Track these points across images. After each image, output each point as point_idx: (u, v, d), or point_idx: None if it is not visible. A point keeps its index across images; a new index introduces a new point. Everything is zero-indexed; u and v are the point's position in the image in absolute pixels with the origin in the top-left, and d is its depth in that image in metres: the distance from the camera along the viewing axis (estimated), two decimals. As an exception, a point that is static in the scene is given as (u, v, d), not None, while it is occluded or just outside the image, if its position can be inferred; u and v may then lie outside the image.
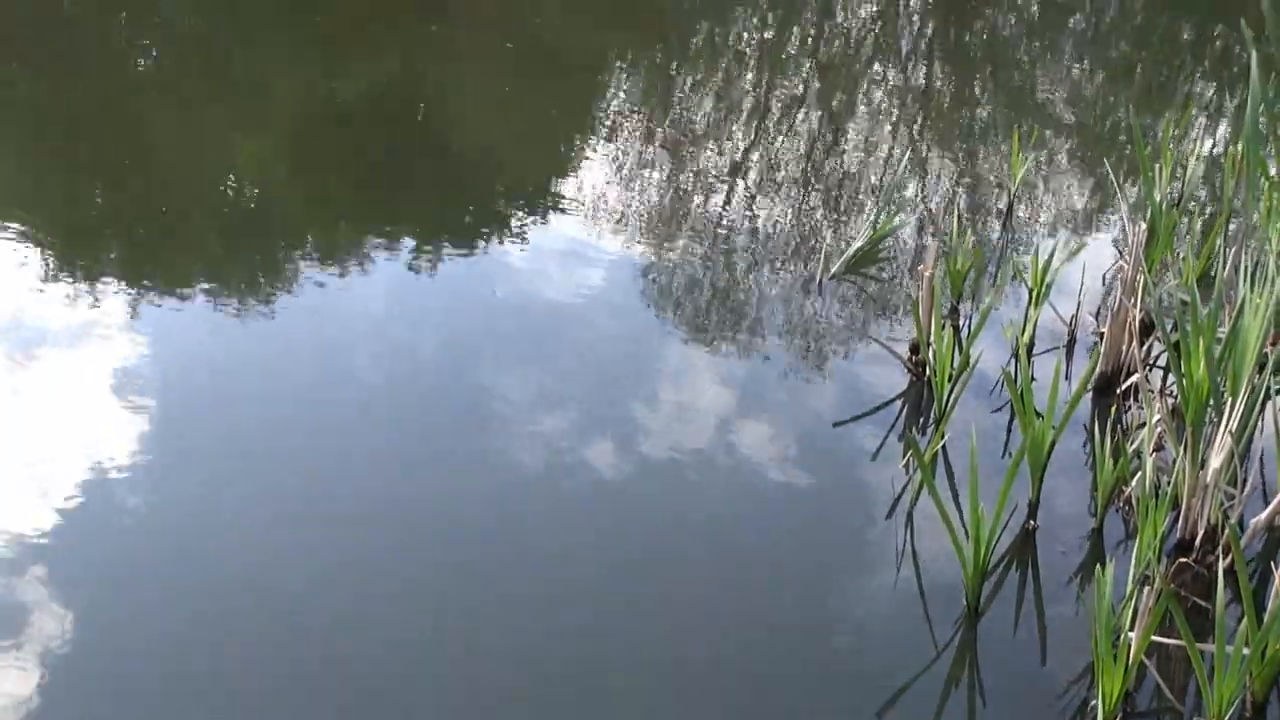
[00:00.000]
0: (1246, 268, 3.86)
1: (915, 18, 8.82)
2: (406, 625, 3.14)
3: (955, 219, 5.17)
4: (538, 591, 3.29)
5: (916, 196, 5.84)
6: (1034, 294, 4.55)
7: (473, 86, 7.32)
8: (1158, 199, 4.61)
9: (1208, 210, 5.90)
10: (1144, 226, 4.12)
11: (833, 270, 4.95)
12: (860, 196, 5.94)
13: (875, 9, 8.88)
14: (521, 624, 3.18)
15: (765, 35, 8.29)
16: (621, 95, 7.29)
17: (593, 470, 3.81)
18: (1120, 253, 5.18)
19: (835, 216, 5.69)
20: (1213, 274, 4.48)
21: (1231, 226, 5.09)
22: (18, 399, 3.97)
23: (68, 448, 3.72)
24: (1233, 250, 4.09)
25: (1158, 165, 5.03)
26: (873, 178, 6.15)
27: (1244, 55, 7.87)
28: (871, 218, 5.16)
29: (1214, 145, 6.79)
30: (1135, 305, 4.12)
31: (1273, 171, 4.42)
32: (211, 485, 3.61)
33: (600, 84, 7.44)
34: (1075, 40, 8.51)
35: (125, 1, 8.26)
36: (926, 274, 4.08)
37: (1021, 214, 5.75)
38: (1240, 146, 4.31)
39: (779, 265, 5.18)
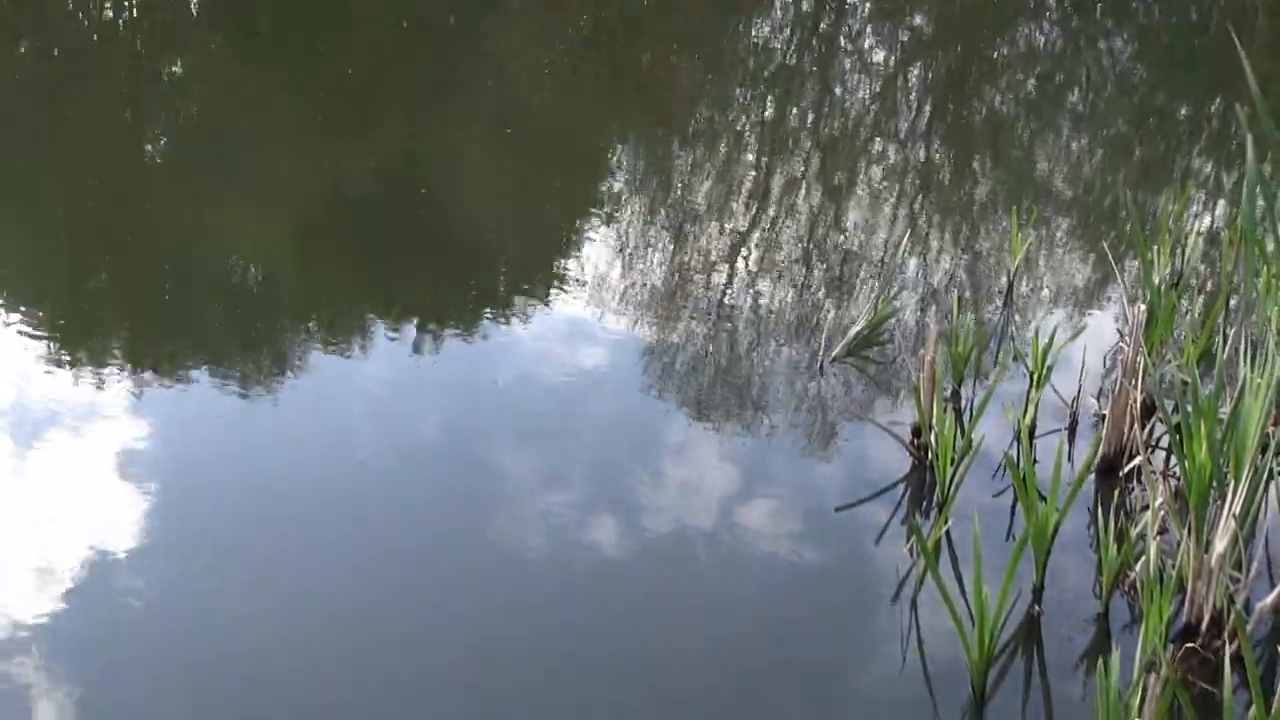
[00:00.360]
0: (1247, 348, 3.87)
1: (914, 96, 8.90)
2: (406, 713, 3.13)
3: (955, 299, 5.19)
4: (539, 678, 3.28)
5: (917, 276, 5.87)
6: (1035, 376, 4.55)
7: (474, 168, 7.37)
8: (1156, 282, 4.63)
9: (1208, 286, 5.91)
10: (1143, 308, 4.13)
11: (834, 353, 4.96)
12: (861, 275, 5.96)
13: (874, 88, 8.96)
14: (523, 711, 3.16)
15: (765, 115, 8.36)
16: (623, 176, 7.34)
17: (594, 553, 3.81)
18: (1121, 333, 5.19)
19: (836, 296, 5.71)
20: (1214, 352, 4.49)
21: (1231, 305, 5.11)
22: (20, 483, 3.98)
23: (68, 532, 3.72)
24: (1233, 331, 4.10)
25: (1156, 246, 5.05)
26: (873, 256, 6.18)
27: (1240, 132, 7.93)
28: (872, 299, 5.18)
29: (1213, 222, 6.82)
30: (1136, 387, 4.12)
31: (1270, 247, 4.44)
32: (213, 571, 3.60)
33: (601, 165, 7.49)
34: (1073, 118, 8.57)
35: (129, 86, 8.35)
36: (927, 358, 4.10)
37: (1022, 294, 5.77)
38: (1238, 225, 4.34)
39: (780, 346, 5.20)
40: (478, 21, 10.01)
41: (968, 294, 5.65)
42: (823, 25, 10.26)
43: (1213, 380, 3.66)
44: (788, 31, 10.03)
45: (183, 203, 6.60)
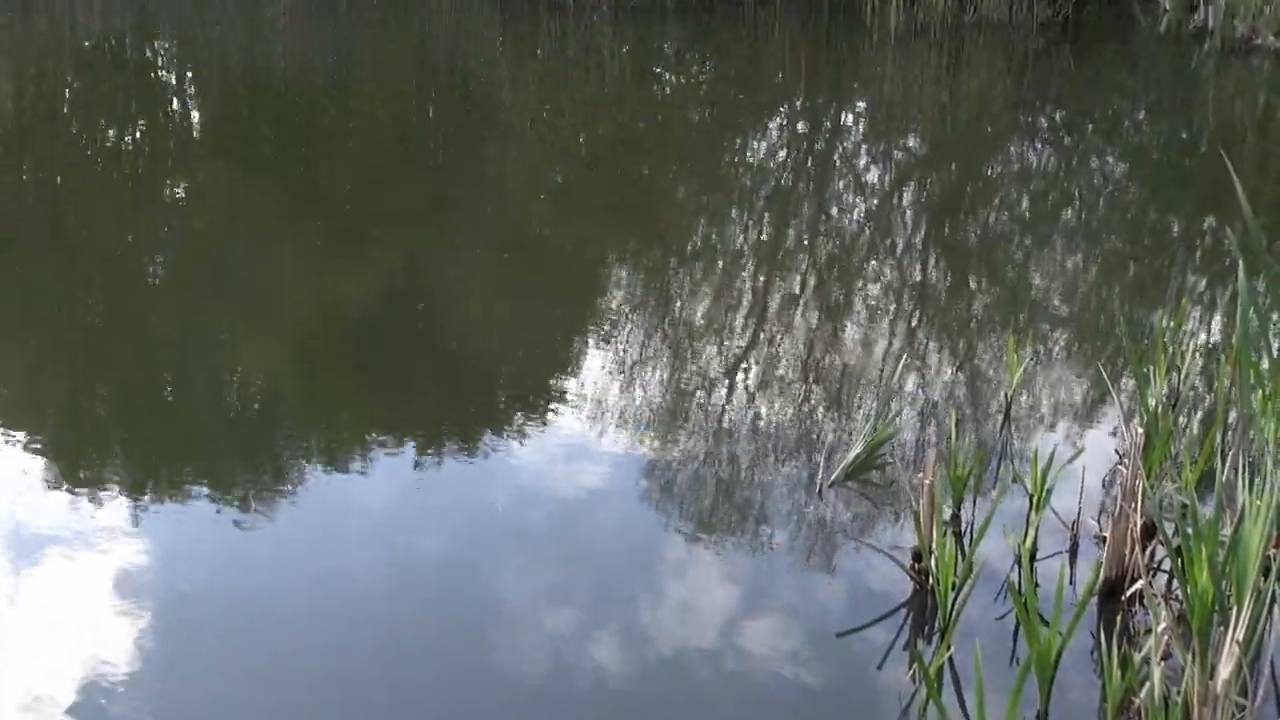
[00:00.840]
0: (1245, 469, 3.88)
1: (909, 215, 8.98)
2: None
3: (954, 420, 5.21)
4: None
5: (914, 395, 5.89)
6: (1034, 498, 4.55)
7: (472, 287, 7.42)
8: (1153, 404, 4.65)
9: (1207, 401, 5.93)
10: (1141, 431, 4.14)
11: (832, 477, 4.96)
12: (858, 393, 5.98)
13: (870, 207, 9.05)
14: None
15: (762, 234, 8.44)
16: (621, 294, 7.39)
17: (592, 674, 3.78)
18: (1119, 453, 5.20)
19: (834, 414, 5.72)
20: (1214, 471, 4.49)
21: (1229, 423, 5.12)
22: (14, 608, 3.96)
23: (63, 657, 3.69)
24: (1231, 453, 4.11)
25: (1151, 367, 5.08)
26: (870, 373, 6.21)
27: (1234, 248, 8.00)
28: (870, 419, 5.19)
29: (1209, 338, 6.85)
30: (1136, 510, 4.12)
31: (1264, 365, 4.46)
32: (208, 700, 3.57)
33: (599, 283, 7.55)
34: (1067, 234, 8.64)
35: (131, 208, 8.44)
36: (926, 482, 4.10)
37: (1019, 414, 5.78)
38: (1233, 343, 4.37)
39: (779, 467, 5.20)
40: (477, 143, 10.15)
41: (966, 413, 5.66)
42: (818, 145, 10.39)
43: (1212, 502, 3.66)
44: (783, 152, 10.15)
45: (181, 323, 6.64)
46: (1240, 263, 3.83)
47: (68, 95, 11.18)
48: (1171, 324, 6.56)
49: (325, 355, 6.45)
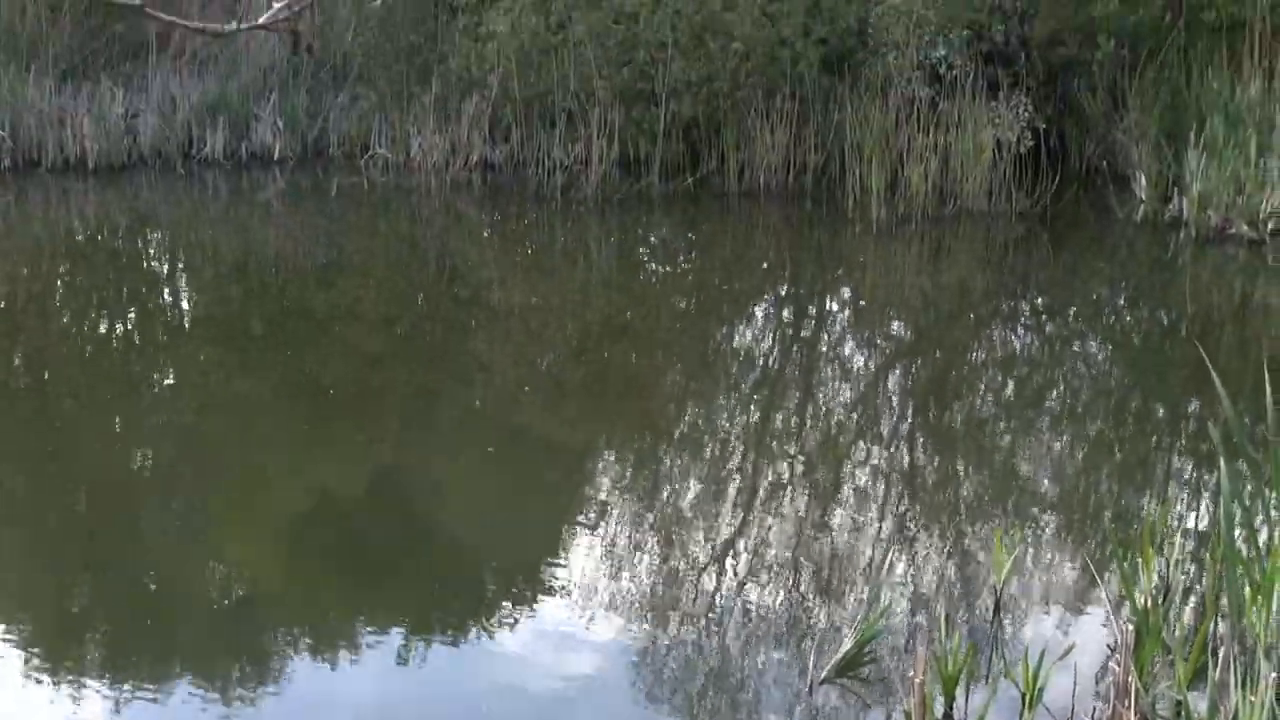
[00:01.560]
0: (1237, 663, 3.85)
1: (895, 400, 9.04)
2: None
3: (944, 615, 5.18)
4: None
5: (904, 585, 5.86)
6: (1026, 696, 4.51)
7: (460, 475, 7.43)
8: (1142, 601, 4.63)
9: (1197, 589, 5.90)
10: (1131, 629, 4.12)
11: (824, 674, 4.92)
12: (847, 583, 5.96)
13: (857, 392, 9.11)
14: None
15: (749, 420, 8.47)
16: (608, 482, 7.40)
17: None
18: (1110, 648, 5.16)
19: (824, 604, 5.70)
20: (1207, 663, 4.46)
21: (1220, 613, 5.09)
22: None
23: None
24: (1222, 650, 4.09)
25: (1139, 559, 5.07)
26: (859, 561, 6.19)
27: (1219, 430, 8.03)
28: (861, 612, 5.16)
29: (1197, 523, 6.85)
30: (1129, 708, 4.08)
31: (1251, 555, 4.46)
32: None
33: (586, 472, 7.56)
34: (1052, 419, 8.69)
35: (118, 398, 8.47)
36: (916, 681, 4.06)
37: (1009, 605, 5.75)
38: (1220, 533, 4.38)
39: (769, 661, 5.16)
40: (465, 331, 10.25)
41: (956, 603, 5.63)
42: (803, 332, 10.51)
43: (1205, 697, 3.63)
44: (769, 339, 10.26)
45: (164, 512, 6.63)
46: (1221, 457, 3.87)
47: (58, 286, 11.32)
48: (1158, 511, 6.57)
49: (309, 545, 6.42)
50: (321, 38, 16.24)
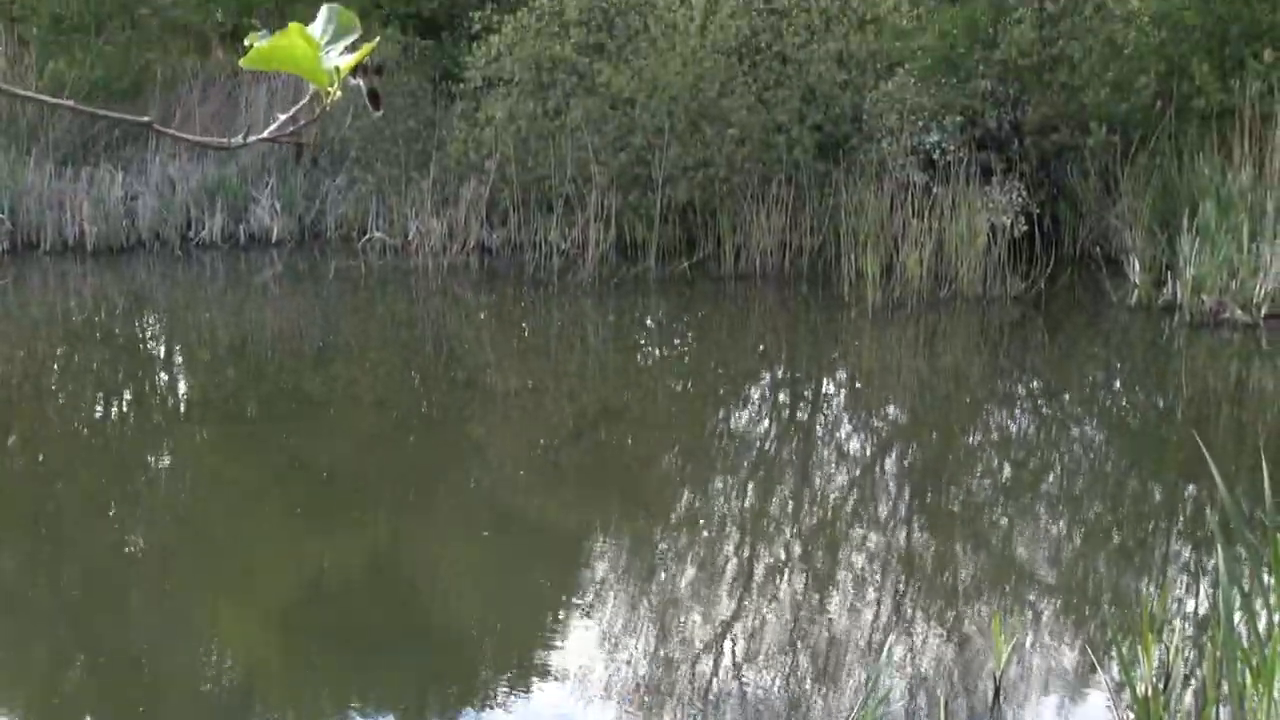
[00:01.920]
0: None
1: (892, 483, 9.03)
2: None
3: (943, 703, 5.13)
4: None
5: (903, 673, 5.81)
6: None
7: (455, 559, 7.40)
8: (1142, 688, 4.60)
9: (1198, 674, 5.86)
10: (1131, 716, 4.08)
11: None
12: (845, 668, 5.92)
13: (854, 475, 9.10)
14: None
15: (746, 503, 8.46)
16: (604, 566, 7.36)
17: None
18: (1113, 737, 5.12)
19: (822, 689, 5.65)
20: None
21: (1221, 699, 5.05)
22: None
23: None
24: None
25: (1139, 646, 5.04)
26: (857, 645, 6.15)
27: (1215, 515, 8.02)
28: (858, 703, 5.12)
29: (1197, 607, 6.82)
30: (1132, 796, 4.03)
31: (1247, 641, 4.43)
32: None
33: (582, 556, 7.53)
34: (1049, 502, 8.68)
35: (111, 476, 8.45)
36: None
37: (1009, 692, 5.70)
38: (1220, 617, 4.35)
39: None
40: (461, 414, 10.25)
41: (956, 689, 5.59)
42: (799, 415, 10.51)
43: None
44: (765, 421, 10.26)
45: (158, 594, 6.58)
46: (1219, 542, 3.85)
47: (55, 368, 11.33)
48: (1157, 596, 6.54)
49: (303, 629, 6.37)
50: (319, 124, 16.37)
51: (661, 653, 6.05)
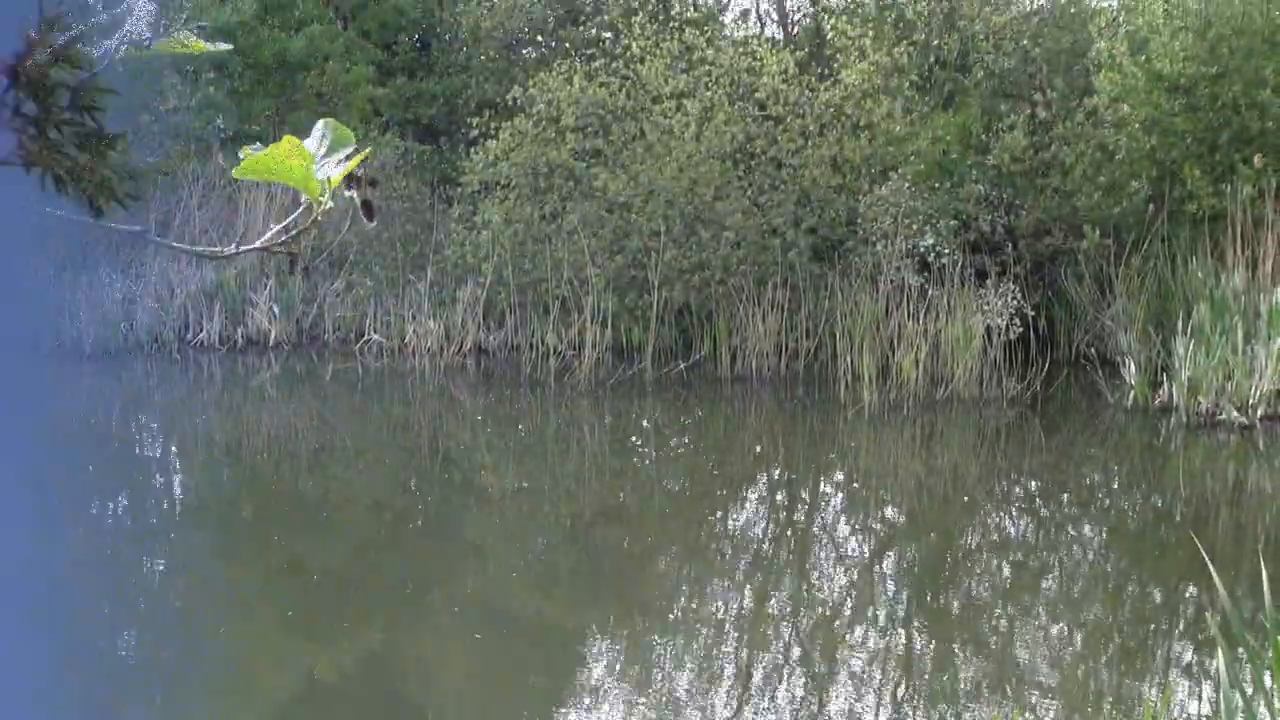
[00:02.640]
0: None
1: (890, 585, 8.98)
2: None
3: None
4: None
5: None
6: None
7: (450, 662, 7.34)
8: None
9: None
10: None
11: None
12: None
13: (852, 577, 9.07)
14: None
15: (743, 605, 8.41)
16: (600, 668, 7.30)
17: None
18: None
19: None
20: None
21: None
22: None
23: None
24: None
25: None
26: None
27: (1216, 616, 7.97)
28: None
29: (1199, 711, 6.76)
30: None
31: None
32: None
33: (579, 658, 7.47)
34: (1048, 603, 8.63)
35: (103, 580, 8.40)
36: None
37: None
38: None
39: None
40: (457, 516, 10.22)
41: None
42: (796, 516, 10.48)
43: None
44: (762, 523, 10.23)
45: (151, 698, 6.52)
46: (1220, 645, 3.83)
47: (50, 470, 11.31)
48: (1159, 699, 6.48)
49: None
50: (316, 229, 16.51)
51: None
